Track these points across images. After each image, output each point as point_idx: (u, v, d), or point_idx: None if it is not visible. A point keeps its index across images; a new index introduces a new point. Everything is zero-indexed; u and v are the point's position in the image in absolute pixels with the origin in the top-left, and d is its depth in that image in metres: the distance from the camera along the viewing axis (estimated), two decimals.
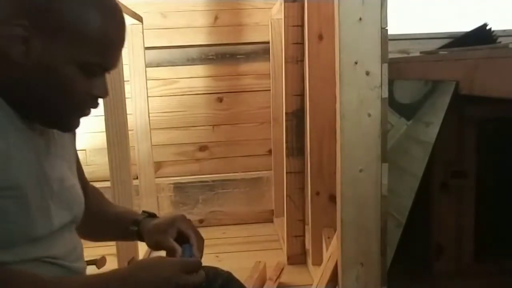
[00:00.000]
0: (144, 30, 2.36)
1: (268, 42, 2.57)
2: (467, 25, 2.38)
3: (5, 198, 0.72)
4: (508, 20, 2.48)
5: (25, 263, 0.75)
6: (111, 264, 1.68)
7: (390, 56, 1.41)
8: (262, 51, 2.66)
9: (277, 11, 2.26)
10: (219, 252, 2.29)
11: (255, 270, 1.91)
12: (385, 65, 1.37)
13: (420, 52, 2.12)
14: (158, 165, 2.69)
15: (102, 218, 1.03)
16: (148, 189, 2.51)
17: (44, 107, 0.77)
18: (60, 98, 0.77)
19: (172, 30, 2.62)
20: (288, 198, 2.14)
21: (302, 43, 2.01)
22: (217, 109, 2.72)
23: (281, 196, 2.31)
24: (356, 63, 1.36)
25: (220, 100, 2.71)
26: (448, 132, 1.61)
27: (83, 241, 0.93)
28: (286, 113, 2.11)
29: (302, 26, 1.98)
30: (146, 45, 2.39)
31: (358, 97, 1.38)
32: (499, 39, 2.21)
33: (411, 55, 2.41)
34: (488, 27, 2.26)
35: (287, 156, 2.13)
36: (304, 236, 2.14)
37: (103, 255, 1.64)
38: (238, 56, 2.68)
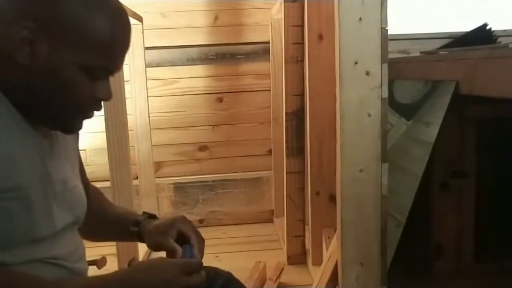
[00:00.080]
0: (144, 30, 2.36)
1: (268, 42, 2.57)
2: (467, 25, 2.38)
3: (9, 200, 0.72)
4: (508, 20, 2.48)
5: (27, 264, 0.75)
6: (111, 264, 1.68)
7: (390, 56, 1.41)
8: (262, 51, 2.66)
9: (277, 11, 2.26)
10: (219, 252, 2.29)
11: (255, 270, 1.91)
12: (385, 65, 1.37)
13: (420, 52, 2.12)
14: (158, 165, 2.69)
15: (103, 218, 1.03)
16: (148, 189, 2.51)
17: (48, 109, 0.77)
18: (64, 100, 0.77)
19: (172, 30, 2.62)
20: (288, 198, 2.14)
21: (302, 43, 2.01)
22: (217, 109, 2.72)
23: (281, 196, 2.31)
24: (356, 63, 1.36)
25: (220, 100, 2.71)
26: (448, 132, 1.61)
27: (83, 241, 0.93)
28: (286, 113, 2.11)
29: (302, 26, 1.98)
30: (146, 45, 2.39)
31: (358, 97, 1.38)
32: (499, 39, 2.21)
33: (411, 55, 2.41)
34: (488, 27, 2.26)
35: (287, 156, 2.13)
36: (304, 236, 2.14)
37: (103, 255, 1.63)
38: (238, 56, 2.68)
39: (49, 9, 0.73)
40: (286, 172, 2.14)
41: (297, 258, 2.14)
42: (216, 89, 2.70)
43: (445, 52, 1.97)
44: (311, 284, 1.71)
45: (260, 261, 1.97)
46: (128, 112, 1.82)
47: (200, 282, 0.82)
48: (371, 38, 1.35)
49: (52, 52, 0.73)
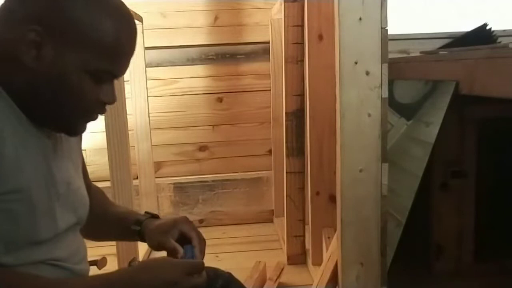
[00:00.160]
0: (144, 30, 2.36)
1: (268, 42, 2.57)
2: (467, 25, 2.38)
3: (12, 201, 0.72)
4: (508, 20, 2.48)
5: (29, 265, 0.75)
6: (112, 264, 1.68)
7: (390, 56, 1.41)
8: (262, 51, 2.66)
9: (277, 11, 2.26)
10: (219, 252, 2.29)
11: (255, 270, 1.91)
12: (385, 65, 1.37)
13: (420, 52, 2.12)
14: (158, 165, 2.69)
15: (104, 218, 1.03)
16: (148, 189, 2.51)
17: (52, 112, 0.77)
18: (68, 103, 0.77)
19: (172, 30, 2.62)
20: (288, 198, 2.14)
21: (302, 43, 2.01)
22: (217, 109, 2.72)
23: (281, 196, 2.31)
24: (356, 63, 1.36)
25: (220, 100, 2.71)
26: (448, 132, 1.61)
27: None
28: (286, 113, 2.11)
29: (302, 26, 1.98)
30: (146, 45, 2.39)
31: (358, 97, 1.38)
32: (499, 39, 2.22)
33: (411, 55, 2.41)
34: (488, 27, 2.26)
35: (287, 156, 2.13)
36: (304, 236, 2.14)
37: (103, 255, 1.63)
38: (238, 56, 2.68)
39: (55, 12, 0.73)
40: (286, 172, 2.14)
41: (297, 258, 2.14)
42: (216, 89, 2.70)
43: (445, 52, 1.97)
44: (311, 284, 1.71)
45: (260, 261, 1.97)
46: (128, 112, 1.82)
47: (202, 283, 0.82)
48: (371, 38, 1.35)
49: (57, 55, 0.74)
